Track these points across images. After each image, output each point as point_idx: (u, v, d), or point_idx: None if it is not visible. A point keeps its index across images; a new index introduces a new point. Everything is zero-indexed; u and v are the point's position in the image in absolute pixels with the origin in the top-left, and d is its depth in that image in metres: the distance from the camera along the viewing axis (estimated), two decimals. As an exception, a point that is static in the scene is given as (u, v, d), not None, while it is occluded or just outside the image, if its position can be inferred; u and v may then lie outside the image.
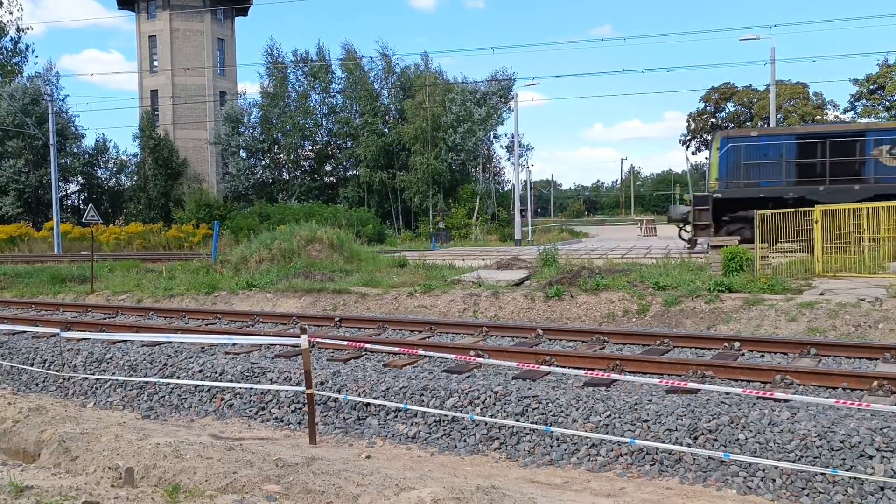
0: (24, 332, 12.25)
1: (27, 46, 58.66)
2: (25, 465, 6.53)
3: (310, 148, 52.81)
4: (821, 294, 12.36)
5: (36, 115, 47.08)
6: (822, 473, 5.71)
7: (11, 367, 10.89)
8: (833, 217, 15.03)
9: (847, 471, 5.70)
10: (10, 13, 57.17)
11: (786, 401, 6.92)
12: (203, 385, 9.10)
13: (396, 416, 7.78)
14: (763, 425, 6.39)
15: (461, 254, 24.13)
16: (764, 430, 6.33)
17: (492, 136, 50.69)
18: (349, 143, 51.36)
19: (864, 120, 31.70)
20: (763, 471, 5.95)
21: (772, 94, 34.46)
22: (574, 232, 48.81)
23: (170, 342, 10.87)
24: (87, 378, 10.05)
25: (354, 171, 51.46)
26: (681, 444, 6.41)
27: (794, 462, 5.92)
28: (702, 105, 74.43)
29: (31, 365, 10.80)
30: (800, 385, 7.65)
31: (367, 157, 48.62)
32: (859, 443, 5.93)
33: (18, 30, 57.30)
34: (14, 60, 57.80)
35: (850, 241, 15.02)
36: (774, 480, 5.89)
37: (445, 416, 7.52)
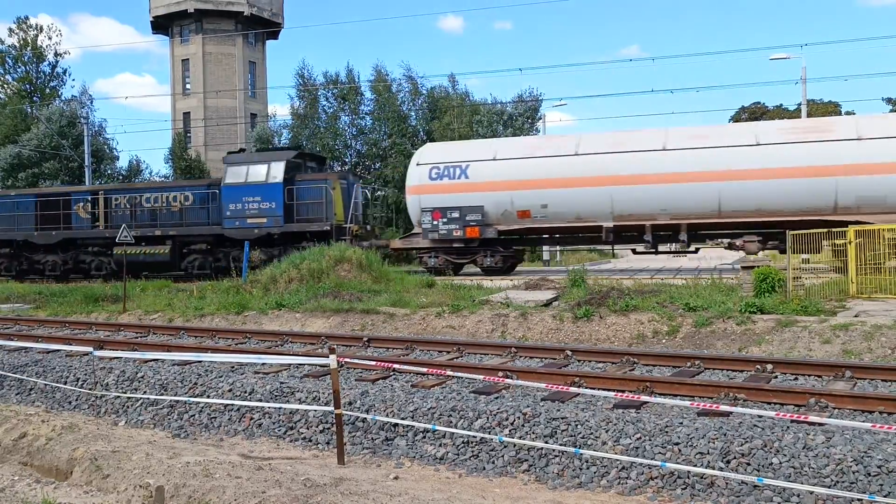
0: (58, 350, 12.43)
1: (64, 71, 59.94)
2: (58, 483, 6.61)
3: (339, 169, 53.24)
4: (855, 316, 12.15)
5: (72, 137, 48.00)
6: (858, 500, 5.59)
7: (45, 385, 11.04)
8: (868, 237, 14.80)
9: (885, 497, 5.57)
10: (49, 38, 58.43)
11: (820, 424, 6.79)
12: (233, 404, 9.16)
13: (425, 437, 7.76)
14: (797, 449, 6.27)
15: (489, 274, 24.10)
16: (798, 455, 6.22)
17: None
18: (377, 165, 51.68)
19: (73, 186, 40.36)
20: (798, 496, 5.83)
21: (803, 113, 34.15)
22: (602, 253, 48.44)
23: (200, 361, 10.96)
24: (118, 396, 10.16)
25: (382, 192, 51.60)
26: (713, 468, 6.31)
27: (829, 487, 5.80)
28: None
29: (65, 383, 10.95)
30: (835, 408, 7.51)
31: (395, 178, 48.86)
32: (897, 468, 5.79)
33: (56, 54, 58.63)
34: (52, 84, 59.09)
35: (884, 262, 14.79)
36: (809, 506, 5.77)
37: (474, 437, 7.48)
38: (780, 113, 67.60)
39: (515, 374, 9.30)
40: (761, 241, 21.02)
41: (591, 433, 7.13)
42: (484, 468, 7.17)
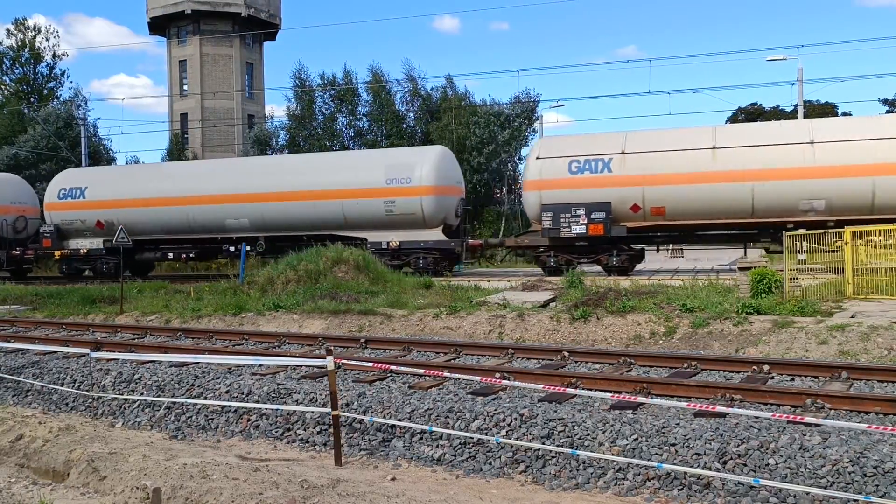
0: (55, 352, 12.42)
1: (62, 72, 59.83)
2: (55, 485, 6.61)
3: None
4: (852, 316, 12.17)
5: (69, 138, 47.94)
6: (854, 500, 5.60)
7: (42, 386, 11.03)
8: (863, 238, 14.83)
9: (881, 497, 5.58)
10: (47, 40, 58.34)
11: (817, 425, 6.81)
12: (230, 406, 9.15)
13: (422, 438, 7.76)
14: (793, 450, 6.29)
15: (487, 276, 24.11)
16: (794, 455, 6.23)
17: (517, 158, 50.68)
18: (375, 166, 51.59)
19: None
20: (794, 497, 5.85)
21: (800, 114, 34.20)
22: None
23: (197, 363, 10.95)
24: (115, 398, 10.16)
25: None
26: (709, 469, 6.32)
27: (825, 488, 5.81)
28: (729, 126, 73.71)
29: (62, 385, 10.94)
30: (831, 409, 7.52)
31: (393, 179, 48.78)
32: (893, 469, 5.81)
33: (54, 56, 58.55)
34: (49, 85, 59.00)
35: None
36: (806, 507, 5.78)
37: (471, 438, 7.49)
38: (778, 114, 67.55)
39: (513, 375, 9.31)
40: None
41: (588, 434, 7.14)
42: (481, 469, 7.18)
